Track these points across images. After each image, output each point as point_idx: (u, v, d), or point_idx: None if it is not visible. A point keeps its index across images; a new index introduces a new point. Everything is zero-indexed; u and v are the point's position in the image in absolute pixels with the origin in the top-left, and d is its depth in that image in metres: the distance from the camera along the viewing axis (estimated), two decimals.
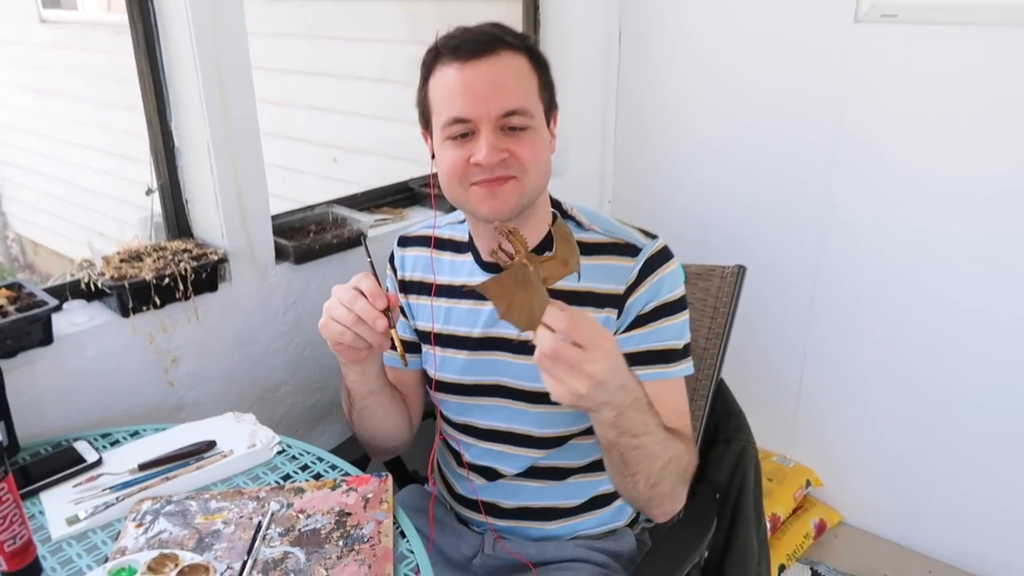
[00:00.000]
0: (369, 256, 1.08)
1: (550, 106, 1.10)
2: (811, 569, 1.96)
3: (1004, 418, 1.79)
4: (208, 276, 1.37)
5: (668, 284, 1.10)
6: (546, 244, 1.12)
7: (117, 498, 1.04)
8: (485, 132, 1.01)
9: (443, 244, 1.23)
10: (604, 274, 1.10)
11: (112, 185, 3.76)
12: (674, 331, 1.10)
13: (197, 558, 0.92)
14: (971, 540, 1.92)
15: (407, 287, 1.24)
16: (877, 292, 1.91)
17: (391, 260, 1.28)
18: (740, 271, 1.38)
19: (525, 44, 1.07)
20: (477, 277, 1.16)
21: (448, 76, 1.03)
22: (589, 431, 1.15)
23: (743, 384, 1.47)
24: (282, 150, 2.90)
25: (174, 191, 1.44)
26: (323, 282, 1.55)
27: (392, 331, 1.01)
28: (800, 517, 2.06)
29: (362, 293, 0.99)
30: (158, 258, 1.35)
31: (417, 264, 1.24)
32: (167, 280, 1.31)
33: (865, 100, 1.81)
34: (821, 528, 2.07)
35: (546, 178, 1.09)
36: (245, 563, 0.92)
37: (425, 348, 1.23)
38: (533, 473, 1.19)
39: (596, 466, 1.19)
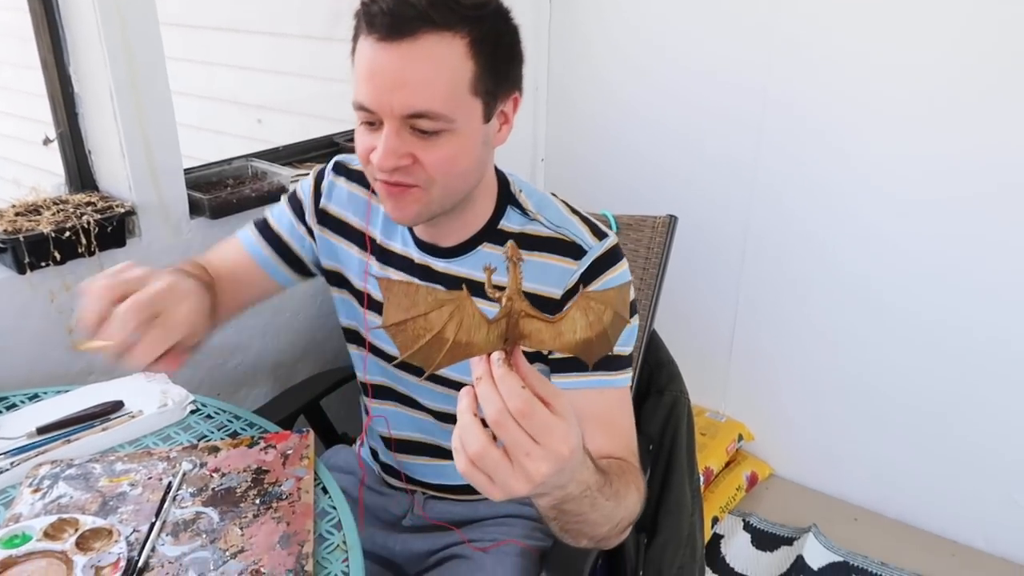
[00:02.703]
0: None
1: (498, 93, 0.92)
2: (743, 520, 1.99)
3: (921, 373, 1.85)
4: (114, 230, 1.28)
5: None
6: (480, 237, 1.02)
7: (12, 463, 0.97)
8: (387, 130, 0.87)
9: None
10: (542, 274, 0.98)
11: (16, 149, 3.54)
12: (621, 337, 1.02)
13: (100, 522, 0.86)
14: (892, 487, 1.99)
15: (326, 220, 1.10)
16: (804, 250, 1.94)
17: (317, 181, 1.12)
18: (672, 221, 1.37)
19: (466, 17, 0.85)
20: (411, 249, 1.05)
21: (364, 51, 0.87)
22: None
23: (677, 341, 1.46)
24: (202, 111, 2.77)
25: (75, 141, 1.34)
26: None
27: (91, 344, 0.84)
28: (732, 470, 2.09)
29: None
30: (58, 211, 1.26)
31: (351, 204, 1.09)
32: (68, 234, 1.22)
33: (793, 54, 1.81)
34: (753, 481, 2.11)
35: (467, 184, 0.95)
36: (152, 525, 0.86)
37: (334, 290, 1.13)
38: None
39: None
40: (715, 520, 1.96)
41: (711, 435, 2.10)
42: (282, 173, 1.55)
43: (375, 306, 1.09)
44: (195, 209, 1.42)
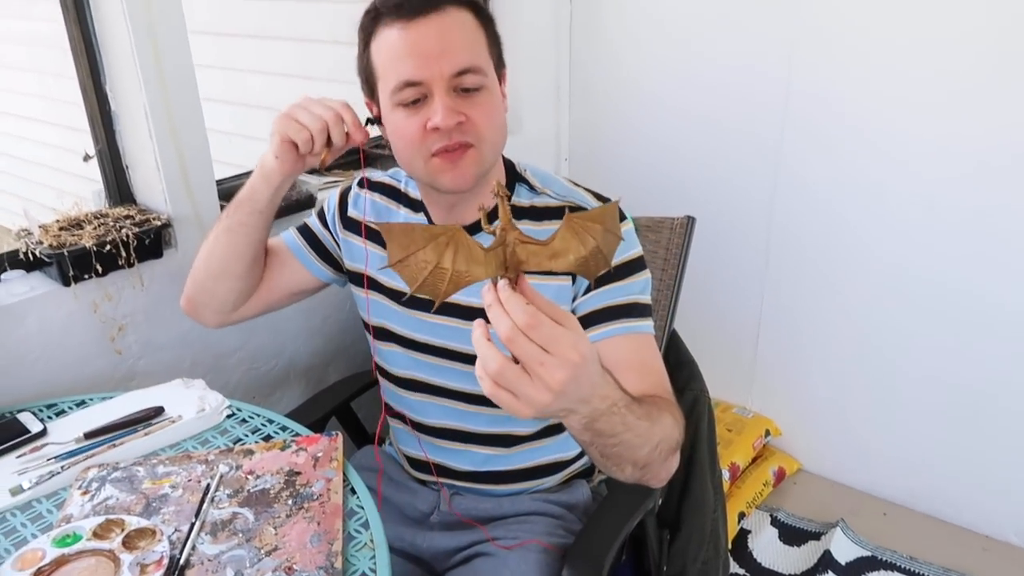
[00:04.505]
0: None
1: (499, 64, 1.07)
2: (771, 515, 2.00)
3: (952, 363, 1.84)
4: (152, 242, 1.34)
5: (622, 245, 1.05)
6: (495, 214, 1.10)
7: (62, 467, 1.03)
8: (439, 94, 0.97)
9: (399, 196, 1.20)
10: None
11: (57, 157, 3.66)
12: (636, 287, 1.08)
13: (144, 522, 0.91)
14: (922, 482, 1.98)
15: (350, 225, 1.21)
16: (830, 244, 1.93)
17: (343, 194, 1.24)
18: (689, 222, 1.39)
19: (468, 0, 1.03)
20: None
21: (392, 37, 0.98)
22: None
23: (701, 337, 1.48)
24: (231, 116, 2.84)
25: (113, 157, 1.41)
26: None
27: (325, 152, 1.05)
28: (759, 466, 2.10)
29: None
30: (99, 225, 1.32)
31: (372, 209, 1.20)
32: (108, 247, 1.28)
33: (815, 49, 1.81)
34: (780, 476, 2.11)
35: (502, 141, 1.06)
36: (193, 525, 0.91)
37: (358, 291, 1.22)
38: (480, 439, 1.20)
39: (547, 432, 1.20)
40: (742, 515, 1.98)
41: (737, 431, 2.11)
42: (310, 181, 1.60)
43: (393, 296, 1.18)
44: None
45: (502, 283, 0.67)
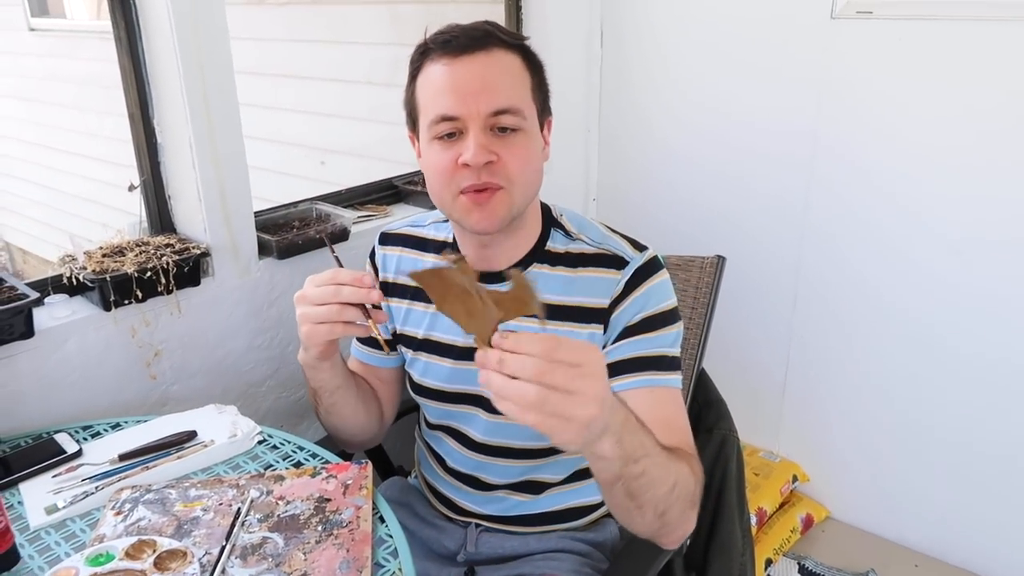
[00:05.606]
0: (336, 257, 1.07)
1: (543, 110, 1.07)
2: (798, 564, 1.96)
3: (985, 412, 1.81)
4: (190, 270, 1.37)
5: (656, 296, 1.07)
6: (530, 259, 1.11)
7: (96, 487, 1.04)
8: (473, 131, 0.97)
9: (426, 244, 1.20)
10: (590, 287, 1.07)
11: (99, 191, 3.77)
12: (666, 340, 1.06)
13: (175, 544, 0.92)
14: (956, 533, 1.93)
15: (389, 289, 1.21)
16: (856, 297, 1.93)
17: (372, 258, 1.25)
18: (720, 261, 1.40)
19: (519, 43, 1.03)
20: None
21: (436, 72, 1.00)
22: None
23: (729, 380, 1.47)
24: (271, 154, 2.91)
25: (157, 187, 1.45)
26: (306, 277, 1.54)
27: (370, 320, 0.99)
28: (787, 512, 2.07)
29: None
30: (140, 252, 1.35)
31: (401, 265, 1.21)
32: (149, 274, 1.31)
33: (842, 98, 1.83)
34: (808, 523, 2.07)
35: (536, 187, 1.06)
36: (223, 548, 0.92)
37: (404, 351, 1.21)
38: (508, 487, 1.19)
39: (574, 477, 1.19)
40: (769, 562, 1.94)
41: (764, 475, 2.08)
42: (345, 215, 1.63)
43: (426, 347, 1.17)
44: (263, 250, 1.51)
45: (498, 335, 0.71)
